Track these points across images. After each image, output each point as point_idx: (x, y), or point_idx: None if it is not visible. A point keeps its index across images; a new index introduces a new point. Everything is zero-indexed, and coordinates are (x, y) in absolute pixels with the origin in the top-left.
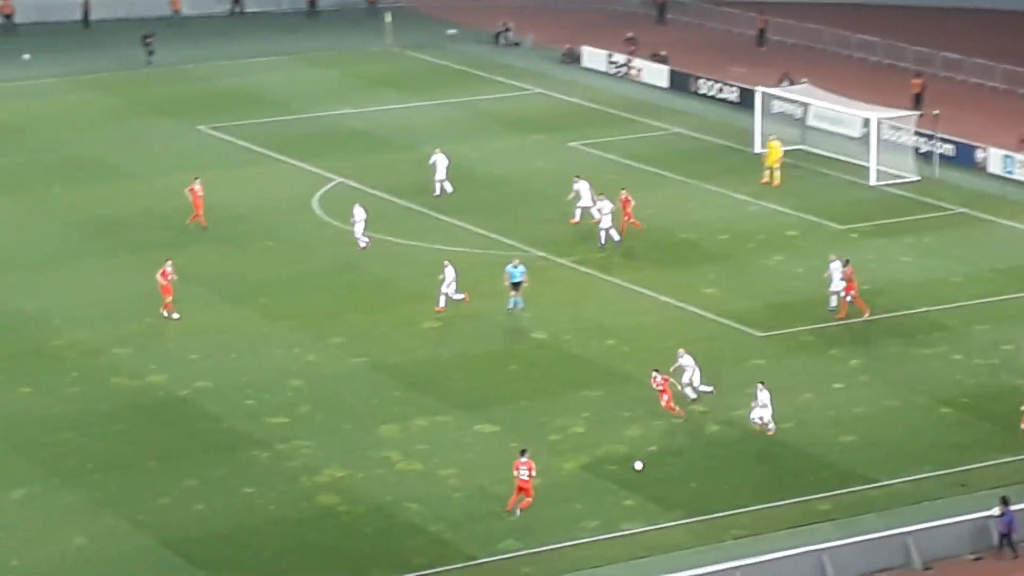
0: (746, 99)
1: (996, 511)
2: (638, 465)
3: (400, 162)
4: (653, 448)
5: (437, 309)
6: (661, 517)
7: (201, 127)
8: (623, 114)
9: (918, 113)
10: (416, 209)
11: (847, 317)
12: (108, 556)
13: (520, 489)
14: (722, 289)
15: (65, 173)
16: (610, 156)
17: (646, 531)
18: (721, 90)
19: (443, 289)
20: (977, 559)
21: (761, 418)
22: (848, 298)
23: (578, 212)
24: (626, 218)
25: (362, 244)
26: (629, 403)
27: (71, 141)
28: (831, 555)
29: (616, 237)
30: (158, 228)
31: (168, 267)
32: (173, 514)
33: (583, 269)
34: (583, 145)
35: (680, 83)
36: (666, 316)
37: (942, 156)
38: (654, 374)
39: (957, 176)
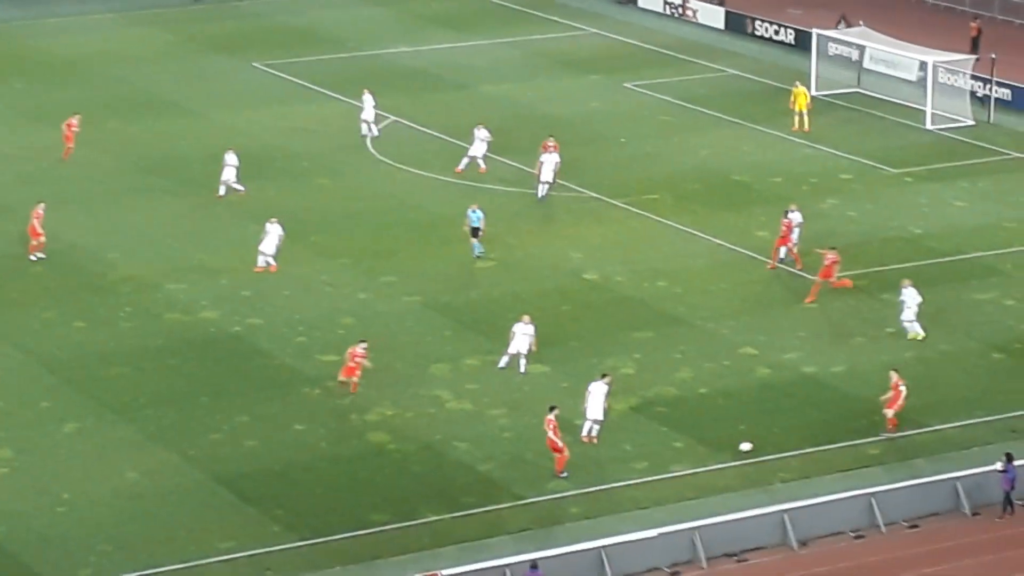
0: (802, 41)
1: (999, 466)
2: (746, 446)
3: (455, 101)
4: (703, 390)
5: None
6: (710, 459)
7: (256, 64)
8: (679, 55)
9: (975, 57)
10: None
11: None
12: (160, 490)
13: (554, 449)
14: (774, 232)
15: (120, 109)
16: (665, 97)
17: (695, 473)
18: (777, 32)
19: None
20: None
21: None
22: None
23: None
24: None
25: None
26: (680, 345)
27: (126, 77)
28: (879, 499)
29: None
30: (214, 164)
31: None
32: (224, 450)
33: (636, 211)
34: (639, 86)
35: (736, 24)
36: (718, 258)
37: (998, 100)
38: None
39: (1013, 120)
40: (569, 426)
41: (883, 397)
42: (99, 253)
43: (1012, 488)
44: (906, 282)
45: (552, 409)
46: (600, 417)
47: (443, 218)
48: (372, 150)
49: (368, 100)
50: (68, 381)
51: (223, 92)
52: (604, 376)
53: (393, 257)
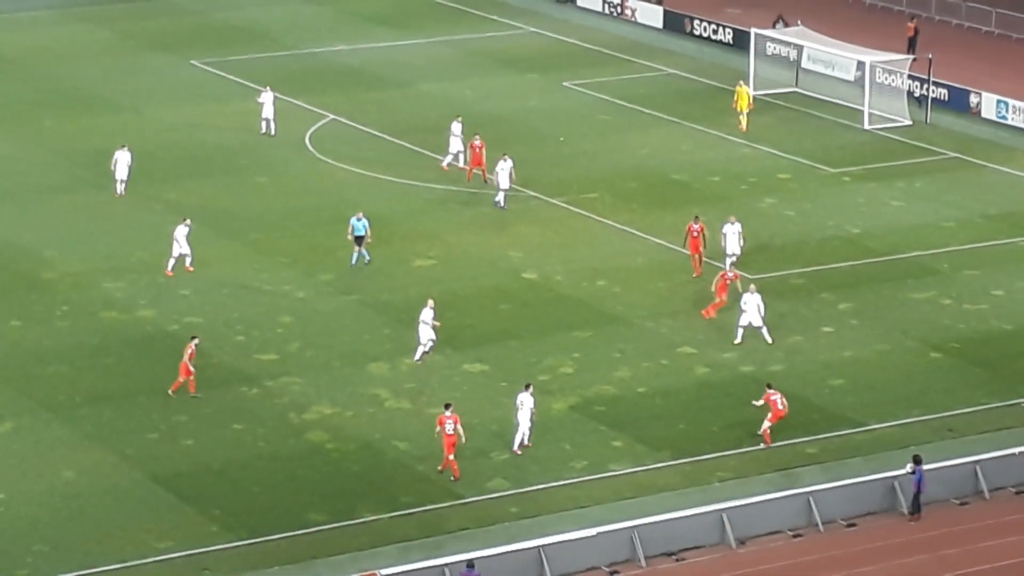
0: (740, 41)
1: (908, 469)
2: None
3: (393, 100)
4: (642, 389)
5: None
6: (649, 458)
7: (194, 62)
8: (617, 54)
9: (912, 57)
10: (409, 147)
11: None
12: (97, 490)
13: (450, 446)
14: (713, 231)
15: (57, 105)
16: (604, 96)
17: (634, 472)
18: (716, 31)
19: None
20: (963, 504)
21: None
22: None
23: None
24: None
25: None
26: (618, 344)
27: (63, 74)
28: (817, 498)
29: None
30: (151, 161)
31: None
32: (162, 449)
33: (575, 210)
34: (577, 85)
35: (674, 24)
36: (657, 258)
37: (935, 100)
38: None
39: (950, 120)
40: (511, 426)
41: (756, 403)
42: (35, 251)
43: (919, 491)
44: (752, 288)
45: (448, 406)
46: (528, 428)
47: (381, 216)
48: (312, 148)
49: (269, 97)
50: (4, 380)
51: (160, 89)
52: (528, 386)
53: (331, 256)
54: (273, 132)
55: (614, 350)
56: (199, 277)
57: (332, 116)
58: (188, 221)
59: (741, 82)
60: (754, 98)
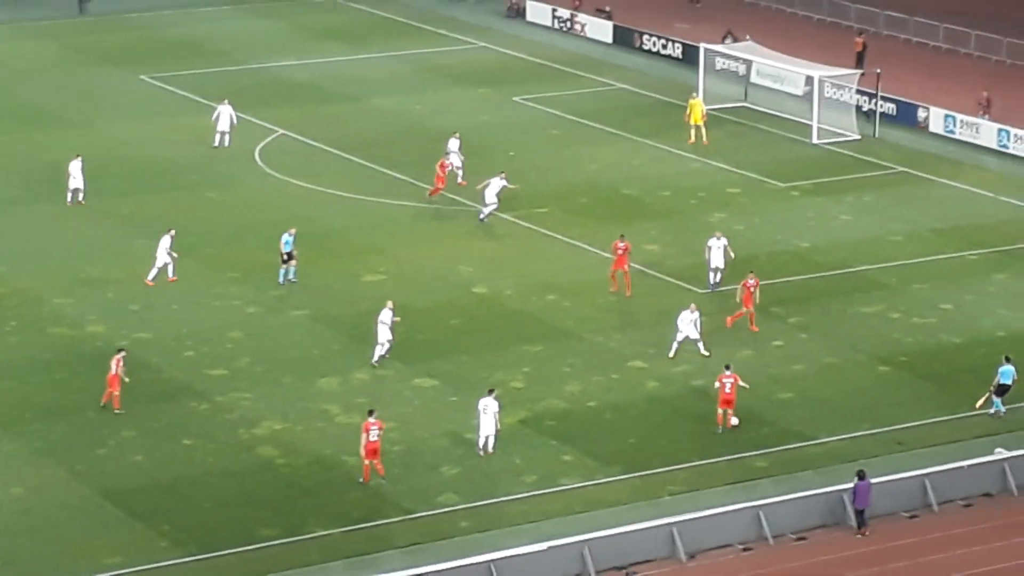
0: (689, 55)
1: (852, 485)
2: (734, 421)
3: (344, 114)
4: (592, 404)
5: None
6: (599, 472)
7: (143, 76)
8: (567, 69)
9: (860, 72)
10: (360, 162)
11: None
12: (46, 506)
13: (371, 452)
14: (664, 245)
15: (7, 121)
16: (554, 111)
17: (584, 486)
18: (665, 46)
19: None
20: (912, 517)
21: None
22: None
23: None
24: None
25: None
26: (569, 358)
27: (11, 88)
28: (767, 511)
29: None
30: (102, 176)
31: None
32: (112, 465)
33: (526, 224)
34: (528, 100)
35: (624, 39)
36: (608, 272)
37: (884, 115)
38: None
39: (898, 135)
40: (461, 441)
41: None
42: None
43: (860, 506)
44: (692, 306)
45: (371, 412)
46: (494, 431)
47: (332, 231)
48: (262, 163)
49: (226, 110)
50: None
51: (110, 104)
52: (491, 391)
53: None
54: (227, 144)
55: (564, 364)
56: (149, 292)
57: (282, 131)
58: (173, 232)
59: (694, 94)
60: (706, 112)
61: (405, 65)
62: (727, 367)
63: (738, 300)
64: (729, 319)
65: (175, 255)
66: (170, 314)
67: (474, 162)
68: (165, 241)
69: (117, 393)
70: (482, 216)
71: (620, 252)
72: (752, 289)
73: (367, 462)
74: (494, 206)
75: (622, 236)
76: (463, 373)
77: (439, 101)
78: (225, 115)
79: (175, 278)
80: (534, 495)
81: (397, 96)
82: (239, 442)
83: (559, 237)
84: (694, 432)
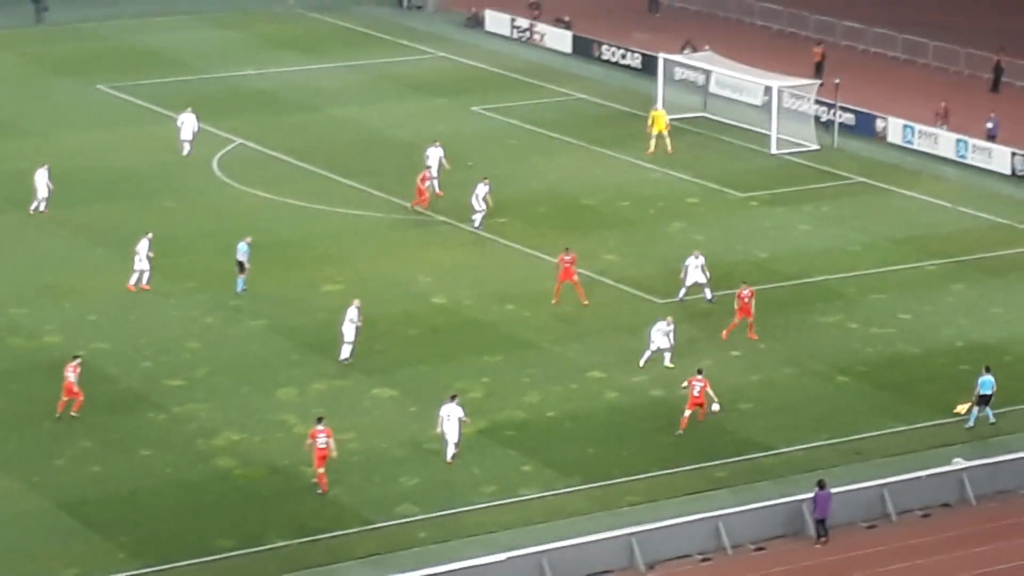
0: (649, 66)
1: (812, 494)
2: (715, 407)
3: (302, 124)
4: (552, 414)
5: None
6: (558, 483)
7: (101, 86)
8: (526, 79)
9: (819, 82)
10: (318, 171)
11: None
12: (2, 517)
13: (323, 459)
14: (623, 255)
15: None
16: (513, 121)
17: (543, 496)
18: (624, 56)
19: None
20: (871, 527)
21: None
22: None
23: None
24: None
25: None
26: (528, 368)
27: None
28: (726, 522)
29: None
30: (59, 186)
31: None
32: (69, 475)
33: (484, 234)
34: (486, 110)
35: (583, 49)
36: (554, 285)
37: (842, 125)
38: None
39: (857, 145)
40: (420, 451)
41: (683, 386)
42: None
43: (820, 515)
44: (669, 318)
45: (320, 420)
46: (458, 437)
47: (290, 241)
48: (220, 173)
49: (189, 119)
50: None
51: (68, 114)
52: (454, 397)
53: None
54: (190, 152)
55: (523, 375)
56: (106, 302)
57: (240, 140)
58: (150, 235)
59: (658, 104)
60: (669, 121)
61: (363, 75)
62: (699, 371)
63: (734, 310)
64: (724, 332)
65: (151, 255)
66: (128, 324)
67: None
68: (143, 245)
69: (79, 400)
70: (476, 225)
71: (566, 264)
72: (747, 299)
73: (320, 470)
74: (483, 212)
75: (567, 249)
76: (422, 383)
77: (397, 111)
78: (188, 124)
79: (148, 287)
80: (493, 505)
81: (355, 106)
82: (197, 452)
83: (518, 247)
84: (653, 442)
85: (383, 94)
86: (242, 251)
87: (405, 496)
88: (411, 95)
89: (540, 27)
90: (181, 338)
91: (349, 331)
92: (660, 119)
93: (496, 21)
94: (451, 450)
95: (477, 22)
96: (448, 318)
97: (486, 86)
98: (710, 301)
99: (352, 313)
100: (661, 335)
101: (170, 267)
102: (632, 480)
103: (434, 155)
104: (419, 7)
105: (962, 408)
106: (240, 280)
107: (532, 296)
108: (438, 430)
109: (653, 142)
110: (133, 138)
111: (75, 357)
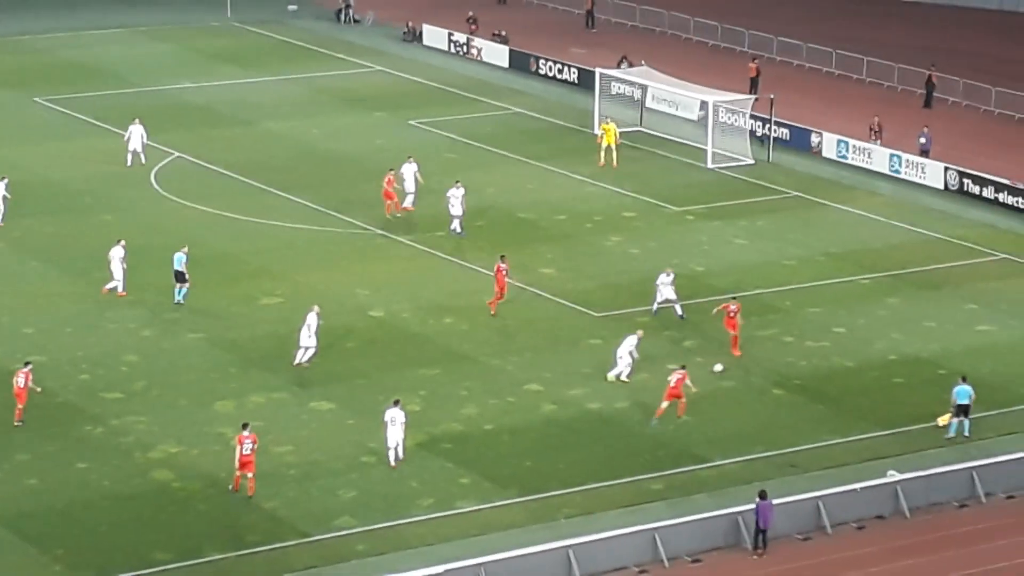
0: (585, 80)
1: (752, 505)
2: (718, 367)
3: (239, 137)
4: (489, 427)
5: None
6: (496, 495)
7: (38, 99)
8: (464, 93)
9: (754, 97)
10: (256, 185)
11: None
12: None
13: (243, 466)
14: (560, 269)
15: None
16: (450, 135)
17: (480, 509)
18: (561, 71)
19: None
20: (806, 539)
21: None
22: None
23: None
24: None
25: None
26: (465, 381)
27: None
28: (662, 534)
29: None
30: None
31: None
32: (4, 489)
33: (421, 248)
34: (424, 124)
35: (520, 63)
36: (504, 296)
37: (777, 140)
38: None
39: (792, 160)
40: (358, 464)
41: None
42: None
43: (763, 526)
44: (640, 332)
45: (246, 426)
46: (401, 441)
47: (228, 254)
48: (157, 186)
49: (137, 130)
50: None
51: (4, 127)
52: (397, 402)
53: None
54: (143, 162)
55: (461, 388)
56: (43, 315)
57: (178, 154)
58: (123, 243)
59: (608, 118)
60: (619, 135)
61: (301, 88)
62: (683, 367)
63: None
64: (735, 349)
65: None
66: (65, 337)
67: (368, 187)
68: (117, 252)
69: (19, 408)
70: (456, 230)
71: (502, 272)
72: (733, 314)
73: (238, 473)
74: (459, 217)
75: (502, 257)
76: (360, 396)
77: (335, 124)
78: (136, 134)
79: (124, 293)
80: (431, 518)
81: (293, 119)
82: (134, 465)
83: (456, 260)
84: (590, 455)
85: (320, 108)
86: (179, 261)
87: (343, 509)
88: (349, 109)
89: (477, 42)
90: (118, 351)
91: (305, 337)
92: (610, 132)
93: (434, 35)
94: (392, 453)
95: (415, 36)
96: (386, 331)
97: (424, 100)
98: (681, 317)
99: (311, 319)
100: (627, 349)
101: (107, 280)
102: (569, 492)
103: (408, 171)
104: (357, 21)
105: (943, 420)
106: (177, 290)
107: (470, 309)
108: (383, 435)
109: (603, 154)
110: (70, 151)
111: (26, 363)
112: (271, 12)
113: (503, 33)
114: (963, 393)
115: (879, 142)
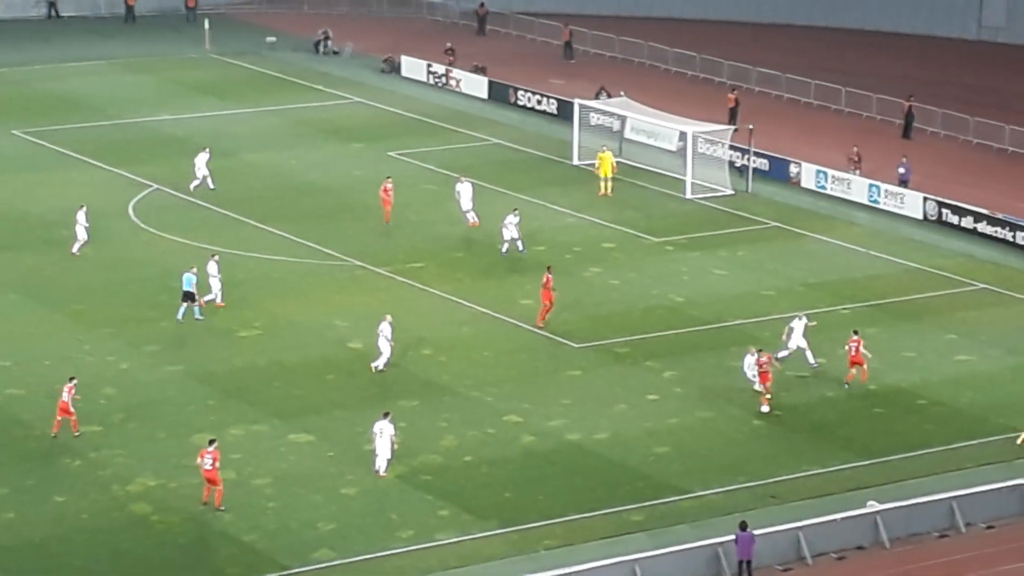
0: (564, 111)
1: (733, 537)
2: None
3: (218, 169)
4: (468, 458)
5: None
6: (475, 527)
7: (15, 131)
8: (442, 124)
9: (733, 127)
10: (235, 217)
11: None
12: None
13: (209, 480)
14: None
15: None
16: (429, 166)
17: (460, 541)
18: (540, 102)
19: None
20: (786, 570)
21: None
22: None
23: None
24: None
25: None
26: (444, 413)
27: None
28: (643, 565)
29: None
30: None
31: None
32: None
33: (400, 279)
34: (403, 155)
35: (499, 94)
36: (483, 327)
37: (756, 170)
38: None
39: (771, 190)
40: (337, 496)
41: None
42: None
43: (741, 557)
44: (755, 350)
45: (212, 442)
46: (390, 454)
47: (205, 287)
48: (135, 218)
49: (202, 158)
50: None
51: None
52: (387, 414)
53: (155, 326)
54: (211, 185)
55: (440, 419)
56: (20, 348)
57: (156, 186)
58: (84, 207)
59: (605, 147)
60: (579, 168)
61: (279, 120)
62: (855, 331)
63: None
64: (764, 401)
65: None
66: (42, 370)
67: (347, 217)
68: (80, 216)
69: (74, 419)
70: (519, 249)
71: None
72: (762, 367)
73: (217, 487)
74: (513, 240)
75: (548, 268)
76: (339, 428)
77: (313, 156)
78: (201, 161)
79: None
80: (410, 550)
81: (271, 151)
82: (112, 499)
83: (435, 292)
84: (570, 486)
85: (299, 139)
86: (189, 282)
87: (322, 541)
88: (327, 140)
89: (456, 73)
90: (96, 384)
91: (383, 344)
92: (605, 162)
93: (412, 67)
94: (378, 463)
95: (393, 67)
96: (364, 363)
97: (402, 131)
98: (814, 366)
99: (384, 328)
100: (750, 367)
101: (85, 313)
102: (549, 524)
103: (465, 191)
104: (335, 52)
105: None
106: (181, 309)
107: (449, 341)
108: (371, 445)
109: (602, 184)
110: (48, 184)
111: (71, 379)
112: (249, 44)
113: (482, 64)
114: None
115: (858, 172)
